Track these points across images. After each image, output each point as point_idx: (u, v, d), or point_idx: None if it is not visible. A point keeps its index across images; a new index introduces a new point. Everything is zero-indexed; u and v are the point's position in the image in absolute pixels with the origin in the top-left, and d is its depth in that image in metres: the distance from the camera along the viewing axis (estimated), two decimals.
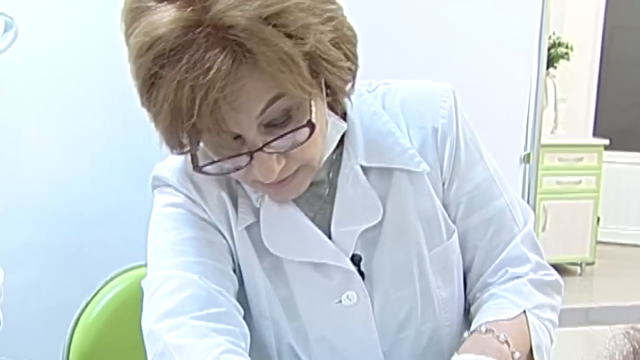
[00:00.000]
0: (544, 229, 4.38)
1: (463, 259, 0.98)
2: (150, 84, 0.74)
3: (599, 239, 4.72)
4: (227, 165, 0.82)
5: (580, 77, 5.15)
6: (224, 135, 0.77)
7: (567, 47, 4.70)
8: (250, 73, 0.72)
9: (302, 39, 0.73)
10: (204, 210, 0.91)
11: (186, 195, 0.91)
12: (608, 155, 4.66)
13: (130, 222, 1.32)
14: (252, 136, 0.77)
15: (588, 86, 5.21)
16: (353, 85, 0.87)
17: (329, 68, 0.78)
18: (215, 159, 0.81)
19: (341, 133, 0.90)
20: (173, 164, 0.94)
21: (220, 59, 0.70)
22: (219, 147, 0.80)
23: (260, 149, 0.78)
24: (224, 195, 0.91)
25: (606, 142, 4.57)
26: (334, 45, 0.78)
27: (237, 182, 0.92)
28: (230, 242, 0.92)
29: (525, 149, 2.31)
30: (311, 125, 0.77)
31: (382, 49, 1.66)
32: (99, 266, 1.35)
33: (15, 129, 1.53)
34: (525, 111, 2.30)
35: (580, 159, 4.51)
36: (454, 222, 0.97)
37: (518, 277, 0.95)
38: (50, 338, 1.33)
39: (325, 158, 0.89)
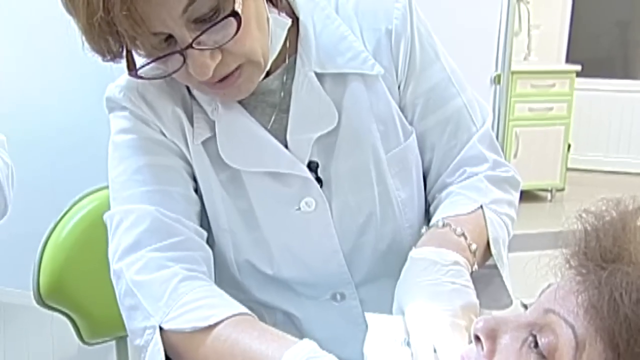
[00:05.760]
0: (515, 155, 4.43)
1: (422, 160, 0.99)
2: None
3: (570, 165, 4.78)
4: (165, 67, 0.81)
5: (554, 3, 5.12)
6: (153, 38, 0.76)
7: None
8: None
9: None
10: (160, 129, 0.90)
11: (140, 117, 0.91)
12: (580, 82, 4.67)
13: (99, 144, 1.31)
14: (180, 34, 0.77)
15: (562, 12, 5.18)
16: None
17: None
18: (149, 60, 0.80)
19: (286, 29, 0.89)
20: (125, 83, 0.92)
21: None
22: (154, 49, 0.78)
23: (190, 45, 0.77)
24: (179, 111, 0.91)
25: (578, 68, 4.58)
26: None
27: (192, 97, 0.92)
28: (188, 156, 0.92)
29: (496, 70, 2.32)
30: (236, 15, 0.76)
31: None
32: (69, 189, 1.34)
33: None
34: (497, 34, 2.30)
35: (552, 86, 4.53)
36: (410, 123, 0.97)
37: (475, 176, 0.96)
38: (21, 260, 1.33)
39: (274, 57, 0.88)
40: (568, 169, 4.74)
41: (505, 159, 1.02)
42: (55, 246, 1.28)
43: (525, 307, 0.61)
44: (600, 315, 0.51)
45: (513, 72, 3.88)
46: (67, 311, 1.30)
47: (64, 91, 1.54)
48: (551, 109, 4.54)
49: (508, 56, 2.38)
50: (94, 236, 1.26)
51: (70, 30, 0.79)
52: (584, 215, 0.58)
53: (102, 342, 1.36)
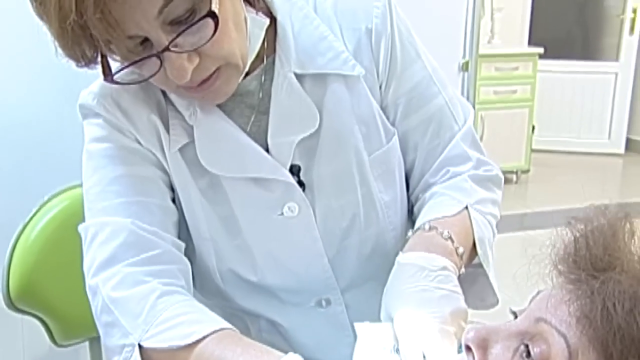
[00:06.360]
0: (481, 138, 4.42)
1: (404, 161, 0.98)
2: None
3: (534, 147, 4.85)
4: (141, 72, 0.79)
5: None
6: (128, 41, 0.74)
7: None
8: None
9: None
10: (135, 138, 0.88)
11: (114, 125, 0.88)
12: (543, 64, 4.73)
13: (68, 142, 1.28)
14: (156, 36, 0.75)
15: None
16: None
17: None
18: (125, 64, 0.78)
19: (264, 29, 0.87)
20: (98, 89, 0.89)
21: None
22: (130, 53, 0.76)
23: (167, 47, 0.75)
24: (155, 118, 0.88)
25: (541, 50, 4.63)
26: None
27: (168, 103, 0.89)
28: (165, 165, 0.89)
29: (464, 57, 2.32)
30: (213, 16, 0.74)
31: None
32: (38, 188, 1.32)
33: None
34: (463, 19, 2.30)
35: (516, 68, 4.57)
36: (393, 124, 0.96)
37: (459, 176, 0.96)
38: None
39: (252, 58, 0.86)
40: (532, 151, 4.81)
41: None
42: (24, 248, 1.26)
43: (515, 314, 0.61)
44: (594, 325, 0.52)
45: (478, 56, 3.91)
46: (38, 314, 1.27)
47: (31, 88, 1.50)
48: (515, 91, 4.59)
49: (475, 42, 2.38)
50: (64, 237, 1.23)
51: (38, 26, 0.76)
52: (572, 222, 0.58)
53: (75, 344, 1.33)
